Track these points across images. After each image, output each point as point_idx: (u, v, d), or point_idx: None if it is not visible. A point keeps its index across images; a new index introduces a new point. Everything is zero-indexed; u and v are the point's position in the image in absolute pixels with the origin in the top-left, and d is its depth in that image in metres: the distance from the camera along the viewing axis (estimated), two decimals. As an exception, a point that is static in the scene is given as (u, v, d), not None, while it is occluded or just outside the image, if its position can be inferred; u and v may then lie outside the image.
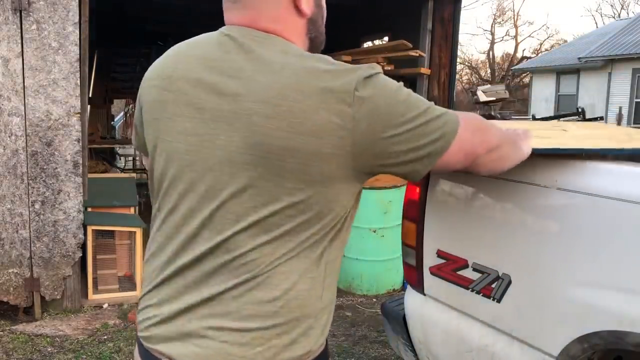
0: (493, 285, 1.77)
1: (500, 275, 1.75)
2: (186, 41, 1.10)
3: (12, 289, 3.71)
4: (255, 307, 0.99)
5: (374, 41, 7.61)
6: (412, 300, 2.17)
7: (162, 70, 1.08)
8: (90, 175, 4.35)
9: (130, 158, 9.63)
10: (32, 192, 3.70)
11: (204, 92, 1.00)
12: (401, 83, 1.02)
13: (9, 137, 3.61)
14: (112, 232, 4.28)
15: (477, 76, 29.75)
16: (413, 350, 2.20)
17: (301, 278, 1.01)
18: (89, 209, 4.31)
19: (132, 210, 4.76)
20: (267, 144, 0.93)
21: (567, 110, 15.01)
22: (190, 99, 1.01)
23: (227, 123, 0.96)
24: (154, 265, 1.09)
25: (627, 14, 28.50)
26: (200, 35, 1.08)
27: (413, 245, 2.11)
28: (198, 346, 1.00)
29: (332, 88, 0.93)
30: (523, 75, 26.12)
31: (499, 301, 1.76)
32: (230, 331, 0.99)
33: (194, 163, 1.01)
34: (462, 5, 5.80)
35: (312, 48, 1.12)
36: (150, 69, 1.13)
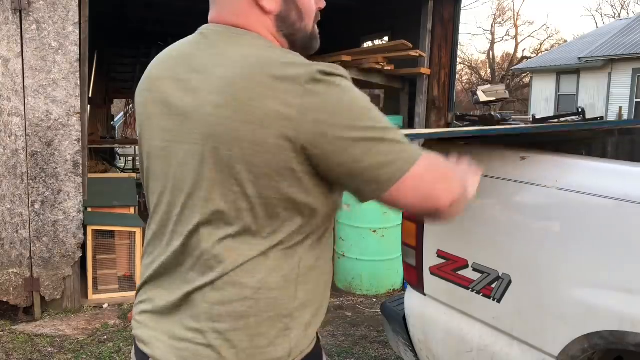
0: (493, 285, 1.77)
1: (500, 275, 1.75)
2: (173, 44, 1.12)
3: (12, 289, 3.71)
4: (225, 307, 0.97)
5: (374, 41, 7.61)
6: (412, 300, 2.17)
7: (147, 73, 1.11)
8: (90, 175, 4.35)
9: (130, 158, 9.63)
10: (32, 192, 3.70)
11: (174, 89, 1.01)
12: (368, 98, 0.97)
13: (9, 137, 3.61)
14: (112, 232, 4.28)
15: (477, 76, 29.76)
16: (413, 350, 2.20)
17: (270, 276, 0.98)
18: (89, 209, 4.31)
19: (132, 210, 4.76)
20: (217, 135, 0.93)
21: (567, 110, 15.01)
22: (163, 97, 1.03)
23: (188, 117, 0.97)
24: (145, 263, 1.11)
25: (627, 14, 28.51)
26: (185, 38, 1.11)
27: (413, 245, 2.11)
28: (176, 348, 1.00)
29: (283, 77, 0.91)
30: (523, 75, 26.12)
31: (499, 301, 1.76)
32: (204, 333, 0.98)
33: (167, 158, 1.02)
34: (462, 5, 5.80)
35: (294, 47, 1.08)
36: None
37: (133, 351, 1.12)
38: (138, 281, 4.47)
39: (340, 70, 0.95)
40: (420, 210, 1.00)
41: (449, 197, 0.99)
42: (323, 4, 1.12)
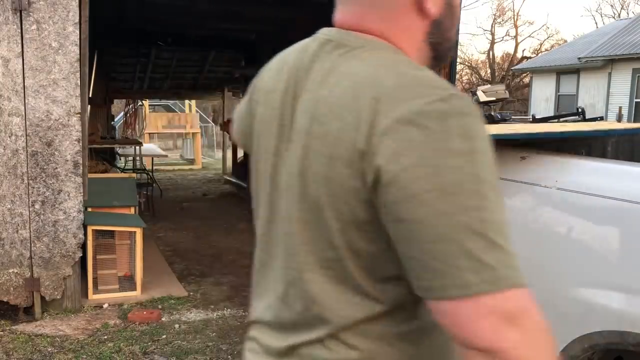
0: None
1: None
2: (292, 48, 0.97)
3: (12, 288, 3.71)
4: None
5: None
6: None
7: (259, 82, 0.99)
8: (90, 175, 4.35)
9: (130, 158, 9.63)
10: (32, 192, 3.70)
11: (282, 105, 0.89)
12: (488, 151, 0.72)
13: (9, 137, 3.61)
14: (112, 232, 4.28)
15: (477, 76, 29.75)
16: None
17: (376, 343, 0.80)
18: (89, 209, 4.31)
19: (132, 210, 4.77)
20: (308, 169, 0.80)
21: (567, 110, 15.00)
22: (275, 113, 0.91)
23: (291, 142, 0.85)
24: (259, 290, 0.98)
25: (627, 14, 28.51)
26: (303, 40, 0.95)
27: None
28: None
29: (376, 107, 0.73)
30: (523, 75, 26.12)
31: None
32: None
33: (272, 185, 0.90)
34: (462, 6, 5.80)
35: (435, 57, 0.91)
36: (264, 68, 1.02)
37: None
38: (138, 281, 4.48)
39: (469, 105, 0.75)
40: (482, 345, 0.69)
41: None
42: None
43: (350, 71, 0.80)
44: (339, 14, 0.90)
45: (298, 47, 0.93)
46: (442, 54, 0.92)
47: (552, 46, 27.82)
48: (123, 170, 8.58)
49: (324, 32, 0.90)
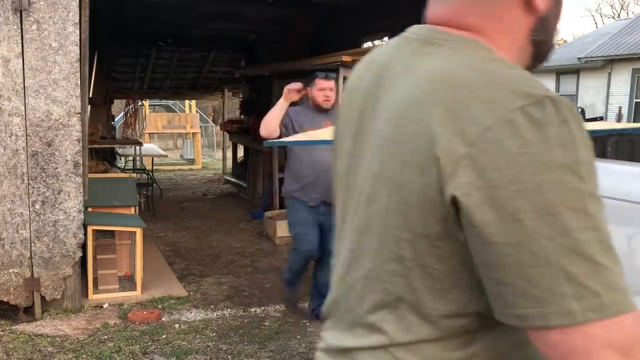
0: (493, 285, 1.77)
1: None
2: (383, 46, 0.94)
3: (12, 288, 3.71)
4: None
5: (374, 41, 7.61)
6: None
7: (348, 82, 0.97)
8: (91, 175, 4.35)
9: (131, 158, 9.64)
10: (33, 192, 3.70)
11: (362, 105, 0.86)
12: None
13: (9, 137, 3.62)
14: (112, 232, 4.28)
15: (477, 76, 29.74)
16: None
17: None
18: (89, 209, 4.31)
19: (132, 210, 4.77)
20: (380, 173, 0.75)
21: (567, 110, 14.99)
22: (353, 114, 0.88)
23: (366, 142, 0.82)
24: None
25: (627, 14, 28.51)
26: (395, 37, 0.90)
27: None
28: None
29: (458, 111, 0.67)
30: (523, 75, 26.08)
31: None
32: None
33: (347, 187, 0.87)
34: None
35: (535, 58, 0.83)
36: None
37: None
38: (138, 281, 4.49)
39: (564, 105, 0.67)
40: None
41: None
42: None
43: (432, 70, 0.74)
44: (434, 8, 0.83)
45: (389, 45, 0.88)
46: (543, 54, 0.84)
47: (552, 46, 27.72)
48: (123, 170, 8.59)
49: (412, 30, 0.84)
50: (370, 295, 0.78)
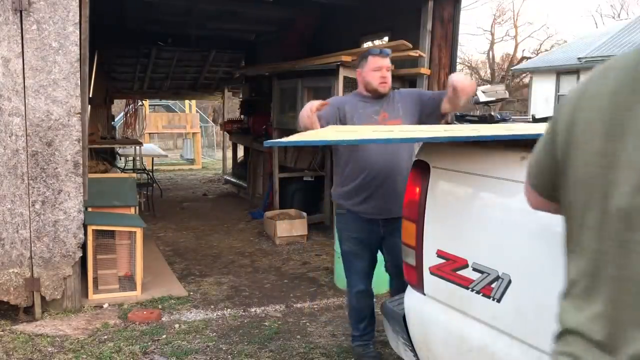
0: (493, 285, 1.78)
1: (500, 275, 1.75)
2: (616, 57, 0.99)
3: (12, 288, 3.71)
4: None
5: (374, 41, 7.61)
6: (412, 300, 2.17)
7: (587, 82, 1.00)
8: (91, 175, 4.35)
9: (131, 158, 9.63)
10: (33, 192, 3.70)
11: (611, 105, 0.90)
12: None
13: (10, 137, 3.62)
14: (112, 232, 4.28)
15: (477, 76, 29.74)
16: (413, 350, 2.20)
17: None
18: (89, 209, 4.31)
19: (132, 210, 4.77)
20: None
21: (567, 110, 14.99)
22: (596, 115, 0.92)
23: (629, 141, 0.86)
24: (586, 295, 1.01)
25: (627, 14, 28.51)
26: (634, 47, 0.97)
27: (413, 245, 2.11)
28: None
29: None
30: (523, 75, 26.11)
31: (499, 301, 1.76)
32: None
33: (600, 181, 0.92)
34: (462, 5, 5.80)
35: None
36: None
37: None
38: (138, 281, 4.47)
39: None
40: None
41: None
42: None
43: None
44: None
45: (625, 53, 0.94)
46: None
47: (552, 46, 27.76)
48: (123, 170, 8.59)
49: None
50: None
